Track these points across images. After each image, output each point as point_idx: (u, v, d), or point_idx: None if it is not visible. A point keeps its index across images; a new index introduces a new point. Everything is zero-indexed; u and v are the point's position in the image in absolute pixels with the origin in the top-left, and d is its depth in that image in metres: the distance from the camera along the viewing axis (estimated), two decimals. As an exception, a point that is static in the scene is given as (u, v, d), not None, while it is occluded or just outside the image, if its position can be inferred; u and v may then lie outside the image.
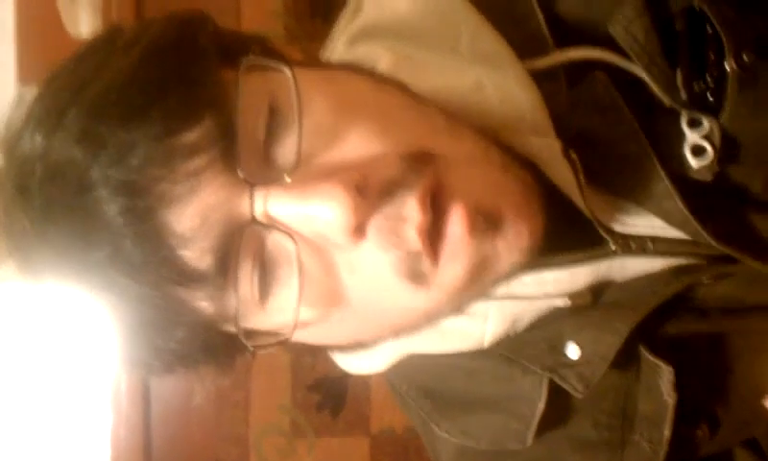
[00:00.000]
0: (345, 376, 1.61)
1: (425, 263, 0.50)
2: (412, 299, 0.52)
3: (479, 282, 0.55)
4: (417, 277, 0.51)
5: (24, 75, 1.49)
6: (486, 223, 0.51)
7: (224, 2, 1.66)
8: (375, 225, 0.49)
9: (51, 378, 1.58)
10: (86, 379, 1.63)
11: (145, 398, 1.70)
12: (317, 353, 0.64)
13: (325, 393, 1.69)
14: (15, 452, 1.59)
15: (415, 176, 0.49)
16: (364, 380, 1.62)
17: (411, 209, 0.49)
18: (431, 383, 0.65)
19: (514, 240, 0.53)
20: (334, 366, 0.69)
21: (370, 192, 0.49)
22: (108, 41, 0.53)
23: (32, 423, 1.60)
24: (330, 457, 1.72)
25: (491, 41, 0.62)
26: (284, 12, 1.64)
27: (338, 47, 0.67)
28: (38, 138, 0.49)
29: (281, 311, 0.52)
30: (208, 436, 1.73)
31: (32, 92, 0.53)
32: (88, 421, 1.68)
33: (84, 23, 1.59)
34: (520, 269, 0.56)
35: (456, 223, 0.50)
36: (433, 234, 0.50)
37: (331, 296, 0.52)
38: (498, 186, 0.54)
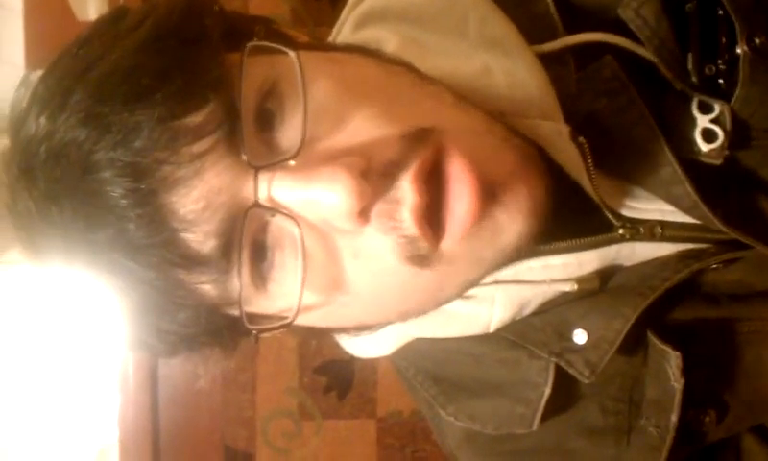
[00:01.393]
0: (352, 360, 1.62)
1: (424, 246, 0.50)
2: (416, 281, 0.52)
3: (486, 258, 0.54)
4: (418, 259, 0.50)
5: (32, 59, 1.49)
6: (488, 193, 0.50)
7: (231, -16, 1.66)
8: (377, 209, 0.49)
9: (58, 361, 1.59)
10: (94, 361, 1.64)
11: (153, 379, 1.71)
12: (322, 337, 0.63)
13: (333, 376, 1.70)
14: (23, 434, 1.60)
15: (412, 155, 0.49)
16: (371, 363, 1.63)
17: (405, 191, 0.48)
18: (437, 367, 0.65)
19: (515, 208, 0.52)
20: (341, 349, 0.69)
21: (373, 176, 0.48)
22: (113, 23, 0.53)
23: (39, 404, 1.61)
24: (337, 440, 1.72)
25: (499, 25, 0.61)
26: (291, -5, 1.63)
27: (345, 30, 0.67)
28: (43, 120, 0.49)
29: (285, 296, 0.52)
30: (215, 418, 1.73)
31: (37, 75, 0.53)
32: (96, 402, 1.69)
33: (91, 7, 1.58)
34: (528, 245, 0.56)
35: (460, 198, 0.49)
36: (433, 210, 0.49)
37: (335, 281, 0.52)
38: (500, 154, 0.53)
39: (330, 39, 0.68)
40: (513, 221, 0.52)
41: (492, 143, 0.53)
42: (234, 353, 0.58)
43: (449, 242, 0.50)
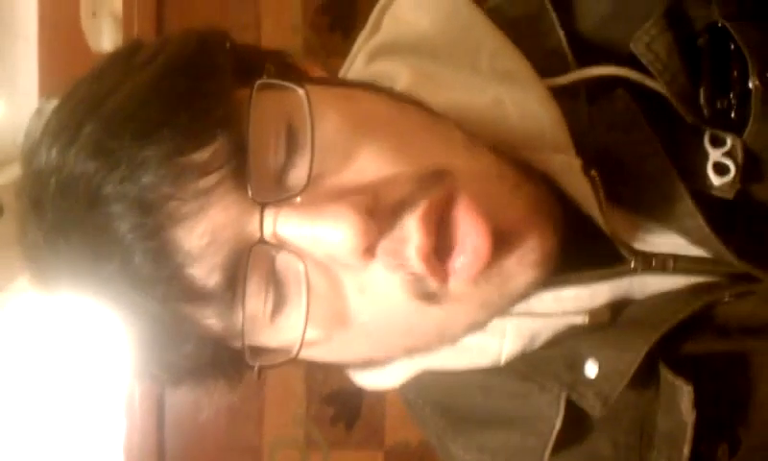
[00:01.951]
0: (360, 389, 1.62)
1: (432, 284, 0.50)
2: (422, 318, 0.52)
3: (494, 303, 0.54)
4: (427, 296, 0.51)
5: (46, 89, 1.50)
6: (498, 241, 0.50)
7: (244, 16, 1.67)
8: (383, 247, 0.49)
9: (65, 387, 1.59)
10: (100, 388, 1.64)
11: (159, 406, 1.70)
12: (328, 369, 0.63)
13: (340, 405, 1.69)
14: (30, 460, 1.59)
15: (421, 195, 0.49)
16: (379, 393, 1.62)
17: (411, 230, 0.49)
18: (446, 399, 0.65)
19: (525, 257, 0.52)
20: (349, 379, 0.69)
21: (380, 214, 0.48)
22: (126, 57, 0.54)
23: (46, 430, 1.60)
24: (344, 471, 1.71)
25: (511, 58, 0.61)
26: (304, 26, 1.64)
27: (357, 63, 0.67)
28: (54, 152, 0.49)
29: (289, 330, 0.52)
30: (221, 447, 1.72)
31: (51, 105, 0.53)
32: (102, 429, 1.68)
33: (105, 38, 1.60)
34: (537, 287, 0.56)
35: (469, 241, 0.49)
36: (443, 251, 0.49)
37: (339, 316, 0.52)
38: (511, 202, 0.53)
39: (342, 72, 0.69)
40: (522, 271, 0.53)
41: (503, 190, 0.53)
42: (240, 385, 0.58)
43: (457, 283, 0.50)
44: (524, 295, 0.55)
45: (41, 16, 1.67)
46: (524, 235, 0.52)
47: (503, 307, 0.56)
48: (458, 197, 0.50)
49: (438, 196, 0.49)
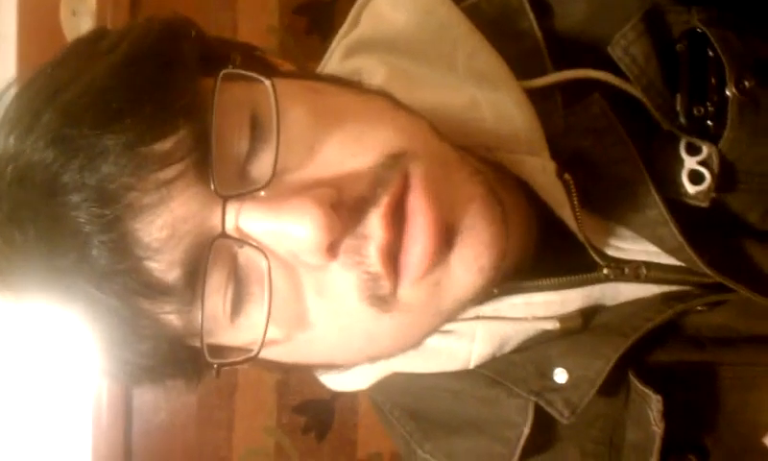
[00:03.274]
0: (332, 399, 1.60)
1: (385, 286, 0.49)
2: (376, 324, 0.51)
3: (444, 309, 0.53)
4: (378, 301, 0.49)
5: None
6: (448, 235, 0.49)
7: (221, 17, 1.67)
8: (345, 244, 0.48)
9: (31, 392, 1.57)
10: (63, 391, 1.62)
11: (126, 414, 1.68)
12: (293, 372, 0.62)
13: (312, 415, 1.67)
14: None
15: (382, 189, 0.48)
16: (351, 404, 1.61)
17: (374, 227, 0.47)
18: (415, 403, 0.64)
19: (471, 257, 0.50)
20: (321, 387, 0.67)
21: (344, 209, 0.47)
22: (90, 44, 0.52)
23: (11, 435, 1.58)
24: (314, 482, 1.70)
25: (487, 59, 0.61)
26: (281, 28, 1.64)
27: (334, 59, 0.67)
28: (11, 140, 0.48)
29: (250, 329, 0.50)
30: (190, 456, 1.70)
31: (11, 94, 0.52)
32: (68, 437, 1.66)
33: (82, 29, 1.59)
34: (499, 287, 0.55)
35: (417, 241, 0.48)
36: (395, 249, 0.48)
37: (298, 318, 0.51)
38: (468, 185, 0.51)
39: (320, 67, 0.68)
40: (469, 272, 0.51)
41: (461, 173, 0.52)
42: (203, 385, 0.57)
43: (406, 287, 0.49)
44: (480, 298, 0.54)
45: (21, 15, 1.66)
46: (475, 233, 0.50)
47: (456, 312, 0.55)
48: (413, 184, 0.48)
49: (396, 187, 0.48)
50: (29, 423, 1.60)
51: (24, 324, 0.54)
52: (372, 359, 0.57)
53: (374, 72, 0.61)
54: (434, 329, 0.56)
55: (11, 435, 1.58)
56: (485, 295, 0.54)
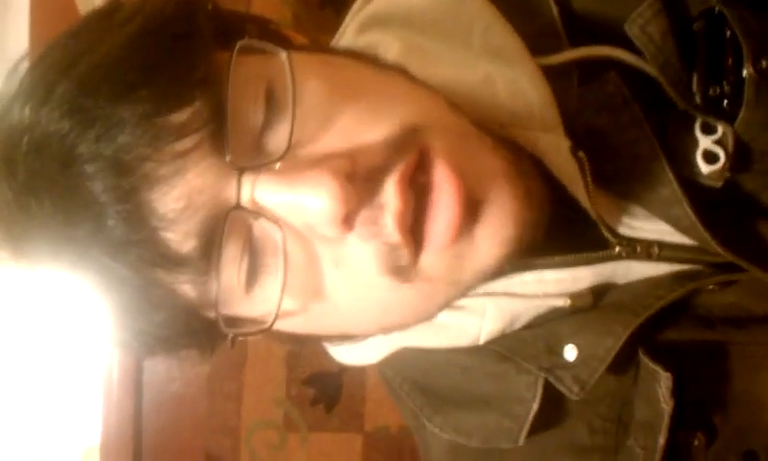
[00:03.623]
0: (340, 372, 1.61)
1: (404, 255, 0.49)
2: (395, 296, 0.51)
3: (464, 280, 0.53)
4: (398, 271, 0.50)
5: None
6: (471, 208, 0.49)
7: (234, -10, 1.65)
8: (361, 216, 0.48)
9: (41, 363, 1.58)
10: (75, 361, 1.63)
11: (137, 385, 1.69)
12: (305, 344, 0.63)
13: (320, 388, 1.68)
14: (5, 436, 1.58)
15: (398, 158, 0.48)
16: (360, 377, 1.61)
17: (390, 195, 0.48)
18: (425, 378, 0.64)
19: (498, 233, 0.51)
20: (330, 360, 0.68)
21: (359, 180, 0.48)
22: (105, 16, 0.52)
23: (21, 406, 1.59)
24: (322, 453, 1.70)
25: (503, 35, 0.61)
26: (294, 1, 1.63)
27: (348, 34, 0.67)
28: (27, 111, 0.48)
29: (265, 300, 0.51)
30: (200, 427, 1.71)
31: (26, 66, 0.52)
32: (79, 407, 1.67)
33: (96, 2, 1.59)
34: (510, 263, 0.55)
35: (443, 210, 0.48)
36: (416, 221, 0.49)
37: (314, 289, 0.51)
38: (489, 160, 0.52)
39: (334, 41, 0.68)
40: (493, 244, 0.51)
41: (481, 148, 0.52)
42: (213, 357, 0.57)
43: (429, 256, 0.49)
44: (493, 271, 0.54)
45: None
46: (497, 204, 0.51)
47: (474, 284, 0.55)
48: (433, 155, 0.49)
49: (412, 157, 0.48)
50: (39, 394, 1.61)
51: (38, 293, 0.54)
52: (387, 330, 0.58)
53: (389, 47, 0.61)
54: (450, 301, 0.56)
55: (21, 408, 1.60)
56: (497, 271, 0.54)
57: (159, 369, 1.65)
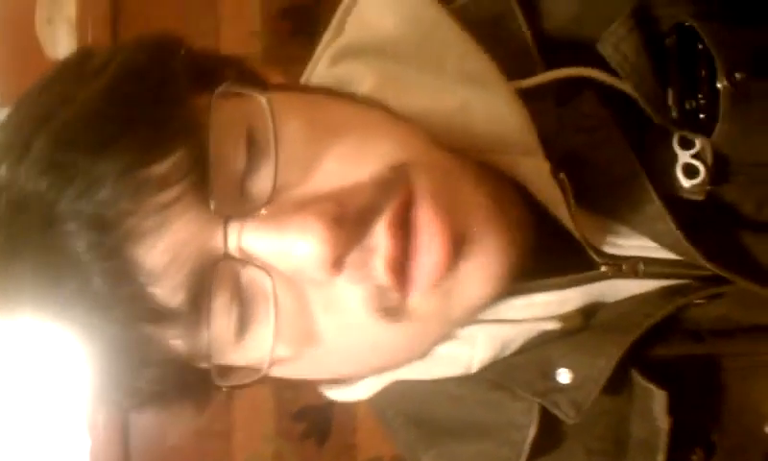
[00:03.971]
0: (330, 404, 1.59)
1: (394, 297, 0.49)
2: (385, 336, 0.51)
3: (454, 318, 0.53)
4: (388, 312, 0.49)
5: (3, 97, 1.48)
6: (458, 246, 0.49)
7: (202, 23, 1.65)
8: (351, 258, 0.48)
9: (28, 412, 1.55)
10: (63, 412, 1.61)
11: (124, 424, 1.67)
12: (297, 385, 0.62)
13: (310, 421, 1.67)
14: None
15: (386, 197, 0.48)
16: (350, 407, 1.60)
17: (380, 237, 0.47)
18: (418, 410, 0.63)
19: (482, 264, 0.51)
20: (319, 394, 0.67)
21: (347, 222, 0.47)
22: (77, 66, 0.52)
23: (8, 454, 1.57)
24: (316, 488, 1.69)
25: (478, 60, 0.61)
26: (264, 32, 1.63)
27: (320, 66, 0.66)
28: (3, 169, 0.47)
29: (258, 348, 0.50)
30: (190, 467, 1.69)
31: (2, 113, 0.51)
32: (66, 447, 1.65)
33: (61, 45, 1.57)
34: (501, 297, 0.55)
35: (429, 250, 0.48)
36: (403, 261, 0.48)
37: (306, 334, 0.51)
38: (474, 197, 0.52)
39: (306, 75, 0.68)
40: (481, 279, 0.51)
41: (466, 184, 0.52)
42: (206, 408, 0.56)
43: (417, 295, 0.49)
44: (485, 307, 0.54)
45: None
46: (483, 241, 0.50)
47: (465, 320, 0.55)
48: (419, 196, 0.48)
49: (400, 198, 0.48)
50: (27, 441, 1.59)
51: (24, 350, 0.53)
52: (380, 371, 0.57)
53: (363, 78, 0.61)
54: (443, 338, 0.56)
55: (7, 451, 1.57)
56: (489, 305, 0.54)
57: (147, 413, 1.63)
